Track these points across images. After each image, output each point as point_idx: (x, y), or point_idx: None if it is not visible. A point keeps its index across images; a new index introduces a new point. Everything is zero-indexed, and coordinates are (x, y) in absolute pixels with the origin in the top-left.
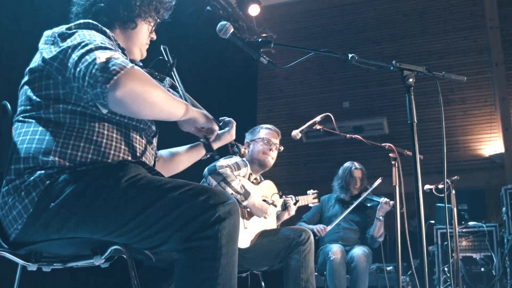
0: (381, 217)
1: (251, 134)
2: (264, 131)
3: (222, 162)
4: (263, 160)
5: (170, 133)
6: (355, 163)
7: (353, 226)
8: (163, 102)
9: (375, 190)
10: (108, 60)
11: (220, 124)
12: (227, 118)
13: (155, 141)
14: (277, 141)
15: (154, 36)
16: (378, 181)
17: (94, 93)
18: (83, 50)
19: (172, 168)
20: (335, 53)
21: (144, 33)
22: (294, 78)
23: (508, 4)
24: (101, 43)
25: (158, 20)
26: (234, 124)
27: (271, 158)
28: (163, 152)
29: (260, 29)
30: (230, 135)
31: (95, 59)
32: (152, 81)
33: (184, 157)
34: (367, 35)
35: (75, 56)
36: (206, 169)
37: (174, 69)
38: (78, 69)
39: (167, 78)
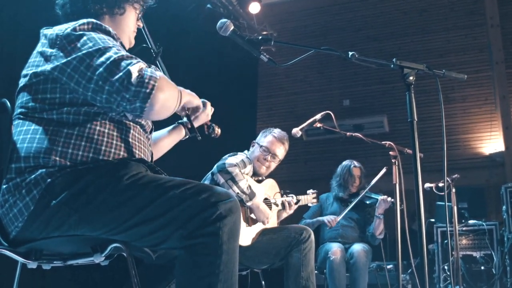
0: (380, 215)
1: (260, 135)
2: (269, 138)
3: (230, 160)
4: (256, 167)
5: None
6: (354, 161)
7: (352, 223)
8: (177, 100)
9: (375, 187)
10: (140, 74)
11: None
12: (202, 100)
13: (151, 136)
14: (278, 152)
15: (140, 24)
16: (383, 171)
17: (132, 107)
18: (103, 59)
19: (156, 153)
20: (335, 51)
21: (132, 20)
22: (294, 76)
23: (509, 2)
24: (117, 49)
25: (144, 6)
26: (209, 104)
27: (265, 167)
28: None
29: (260, 27)
30: (206, 115)
31: (128, 73)
32: (172, 84)
33: (166, 141)
34: (367, 33)
35: (97, 65)
36: (215, 166)
37: (160, 57)
38: (109, 83)
39: (153, 67)
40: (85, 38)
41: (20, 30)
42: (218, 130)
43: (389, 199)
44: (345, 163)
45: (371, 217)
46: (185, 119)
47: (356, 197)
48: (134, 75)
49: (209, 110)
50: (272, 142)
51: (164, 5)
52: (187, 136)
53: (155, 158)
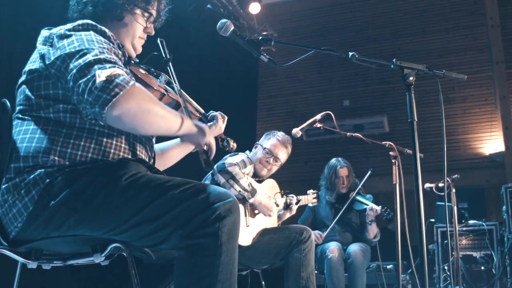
0: (371, 222)
1: (264, 138)
2: (273, 140)
3: (230, 159)
4: (257, 169)
5: None
6: (340, 160)
7: (348, 227)
8: (161, 120)
9: (373, 187)
10: (108, 79)
11: (208, 117)
12: (214, 112)
13: (153, 138)
14: (281, 155)
15: (151, 31)
16: (368, 173)
17: (92, 111)
18: (81, 61)
19: (165, 163)
20: (336, 51)
21: (135, 26)
22: (294, 76)
23: (509, 3)
24: (100, 52)
25: (153, 12)
26: (224, 118)
27: (267, 169)
28: (155, 147)
29: (260, 27)
30: (218, 128)
31: (94, 76)
32: (151, 99)
33: (176, 151)
34: (367, 33)
35: (73, 67)
36: (215, 167)
37: (170, 64)
38: (77, 84)
39: (163, 74)
40: (73, 38)
41: (20, 30)
42: (233, 145)
43: (377, 209)
44: (331, 162)
45: (364, 222)
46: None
47: (345, 202)
48: (100, 79)
49: (221, 123)
50: (275, 145)
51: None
52: (197, 149)
53: (163, 168)
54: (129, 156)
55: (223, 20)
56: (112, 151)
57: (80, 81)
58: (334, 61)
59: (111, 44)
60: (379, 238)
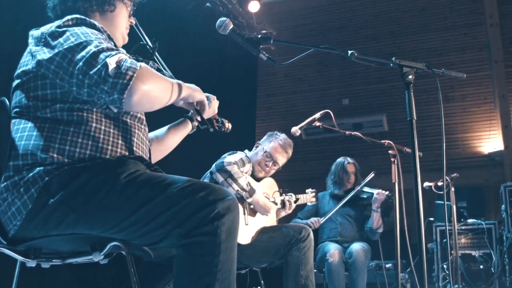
0: (377, 209)
1: (266, 139)
2: (274, 144)
3: (229, 158)
4: (256, 170)
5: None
6: (348, 158)
7: (350, 220)
8: (168, 92)
9: (372, 183)
10: (119, 65)
11: None
12: (207, 94)
13: (146, 129)
14: (281, 159)
15: (133, 21)
16: (371, 175)
17: (111, 99)
18: (84, 53)
19: (165, 148)
20: (335, 49)
21: (123, 16)
22: (293, 74)
23: (508, 2)
24: (99, 42)
25: (135, 3)
26: (215, 98)
27: (265, 172)
28: (152, 135)
29: (259, 26)
30: (212, 110)
31: (106, 65)
32: (157, 75)
33: (173, 136)
34: (366, 32)
35: (77, 60)
36: (213, 166)
37: (156, 53)
38: (88, 76)
39: (151, 62)
40: (68, 34)
41: (20, 30)
42: (228, 125)
43: (384, 192)
44: (339, 160)
45: (368, 212)
46: (191, 113)
47: (349, 195)
48: (111, 66)
49: (215, 104)
50: (276, 149)
51: (164, 4)
52: (194, 130)
53: (163, 155)
54: (126, 153)
55: (222, 19)
56: (110, 147)
57: (91, 72)
58: (333, 60)
59: (103, 35)
60: (382, 231)
